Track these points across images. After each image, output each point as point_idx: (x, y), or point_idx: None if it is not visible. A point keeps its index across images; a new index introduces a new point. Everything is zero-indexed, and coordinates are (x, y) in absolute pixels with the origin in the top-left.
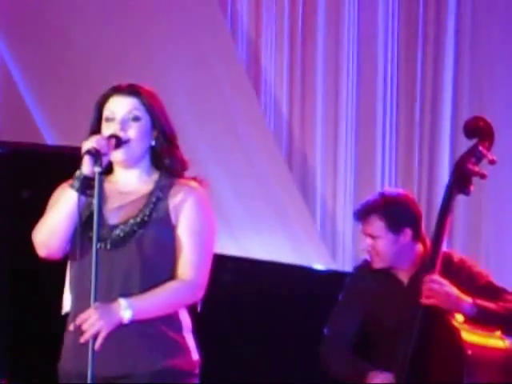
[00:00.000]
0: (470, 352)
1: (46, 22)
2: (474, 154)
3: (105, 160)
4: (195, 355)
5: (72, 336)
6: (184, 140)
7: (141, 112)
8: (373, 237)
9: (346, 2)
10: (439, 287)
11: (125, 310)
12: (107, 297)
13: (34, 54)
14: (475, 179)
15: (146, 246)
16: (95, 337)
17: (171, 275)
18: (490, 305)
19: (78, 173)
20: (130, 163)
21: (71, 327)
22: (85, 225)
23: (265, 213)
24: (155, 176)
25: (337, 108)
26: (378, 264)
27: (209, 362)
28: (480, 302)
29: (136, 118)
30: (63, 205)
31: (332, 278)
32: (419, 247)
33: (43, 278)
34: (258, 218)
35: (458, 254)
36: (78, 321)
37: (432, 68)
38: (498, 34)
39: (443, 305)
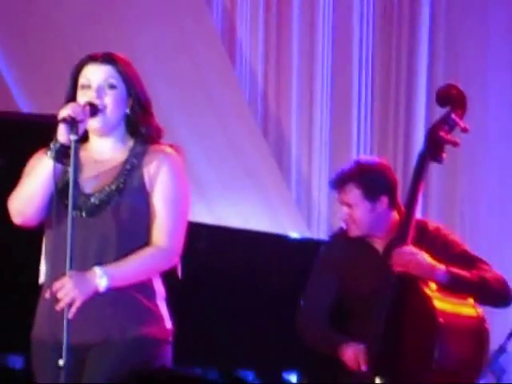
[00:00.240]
0: (441, 320)
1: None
2: (446, 122)
3: (81, 128)
4: (168, 323)
5: (47, 304)
6: (156, 106)
7: (116, 80)
8: (349, 205)
9: None
10: (410, 254)
11: (100, 278)
12: (82, 265)
13: (8, 20)
14: (448, 147)
15: (122, 214)
16: (70, 305)
17: (146, 242)
18: (464, 273)
19: (53, 141)
20: (105, 131)
21: (47, 295)
22: (61, 193)
23: (239, 179)
24: (130, 144)
25: (312, 75)
26: (354, 232)
27: (182, 330)
28: (453, 269)
29: (112, 86)
30: (39, 173)
31: (307, 247)
32: (395, 215)
33: (19, 246)
34: (232, 184)
35: (433, 223)
36: (53, 289)
37: (407, 35)
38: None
39: (415, 272)
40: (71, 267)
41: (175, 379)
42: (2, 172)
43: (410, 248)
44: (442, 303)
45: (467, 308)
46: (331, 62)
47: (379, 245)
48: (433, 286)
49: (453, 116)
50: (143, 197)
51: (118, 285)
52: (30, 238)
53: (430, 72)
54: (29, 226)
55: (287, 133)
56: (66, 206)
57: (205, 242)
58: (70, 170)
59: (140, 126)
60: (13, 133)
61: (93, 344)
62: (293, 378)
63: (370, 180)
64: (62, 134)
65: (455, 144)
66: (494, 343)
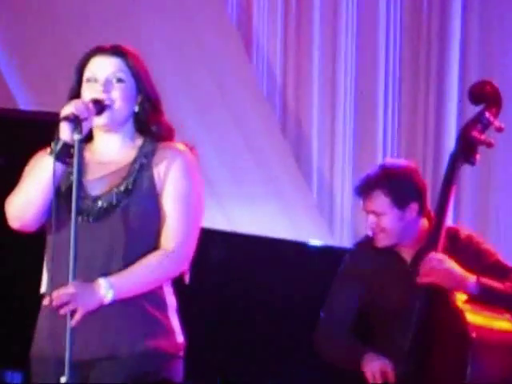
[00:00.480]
0: (474, 334)
1: None
2: (480, 121)
3: (85, 127)
4: (180, 337)
5: (48, 316)
6: (167, 103)
7: (125, 74)
8: (377, 214)
9: None
10: (438, 264)
11: (106, 290)
12: (88, 274)
13: (7, 13)
14: (482, 148)
15: (131, 218)
16: (73, 313)
17: (156, 247)
18: (497, 284)
19: (56, 140)
20: (112, 128)
21: (47, 305)
22: (65, 196)
23: (255, 182)
24: (139, 143)
25: (334, 70)
26: (383, 242)
27: (194, 344)
28: (485, 280)
29: (120, 80)
30: (40, 174)
31: (329, 255)
32: (424, 222)
33: (19, 253)
34: (248, 187)
35: (465, 230)
36: (55, 299)
37: (438, 27)
38: None
39: (444, 283)
40: (75, 277)
41: None
42: (1, 172)
43: (439, 257)
44: (475, 316)
45: (502, 322)
46: (356, 54)
47: (407, 254)
48: (463, 298)
49: (487, 114)
50: (154, 199)
51: (125, 296)
52: (30, 244)
53: (462, 68)
54: (27, 230)
55: (308, 131)
56: (71, 211)
57: (218, 250)
58: (74, 170)
59: (149, 124)
60: (12, 131)
61: (98, 359)
62: None
63: (398, 186)
64: (65, 133)
65: (489, 145)
66: None
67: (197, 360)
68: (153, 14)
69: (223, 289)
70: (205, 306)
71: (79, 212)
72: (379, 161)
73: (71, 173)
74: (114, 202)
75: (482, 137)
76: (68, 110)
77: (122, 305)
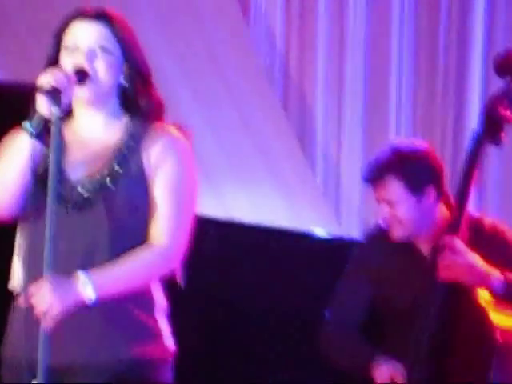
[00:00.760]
0: (499, 337)
1: None
2: (506, 96)
3: (64, 99)
4: (169, 341)
5: (21, 315)
6: (155, 77)
7: (110, 42)
8: (391, 202)
9: None
10: (459, 257)
11: (84, 285)
12: (67, 270)
13: None
14: (509, 126)
15: (116, 208)
16: (47, 314)
17: (143, 241)
18: None
19: (31, 114)
20: (95, 102)
21: (21, 303)
22: (41, 180)
23: (254, 164)
24: (125, 120)
25: (342, 39)
26: (398, 234)
27: (186, 349)
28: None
29: (104, 49)
30: (15, 153)
31: (336, 246)
32: (443, 210)
33: None
34: (246, 171)
35: (489, 220)
36: (28, 295)
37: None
38: None
39: (465, 279)
40: (50, 271)
41: None
42: None
43: (459, 248)
44: (500, 317)
45: None
46: (366, 22)
47: (425, 247)
48: (486, 295)
49: None
50: (142, 187)
51: (107, 293)
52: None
53: (486, 36)
54: (3, 218)
55: (312, 108)
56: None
57: (213, 241)
58: (52, 150)
59: (137, 98)
60: None
61: (76, 366)
62: None
63: (412, 169)
64: (43, 107)
65: None
66: None
67: (188, 366)
68: None
69: (217, 284)
70: (198, 304)
71: (58, 199)
72: (389, 142)
73: (49, 154)
74: (97, 188)
75: (509, 113)
76: (45, 80)
77: (103, 306)
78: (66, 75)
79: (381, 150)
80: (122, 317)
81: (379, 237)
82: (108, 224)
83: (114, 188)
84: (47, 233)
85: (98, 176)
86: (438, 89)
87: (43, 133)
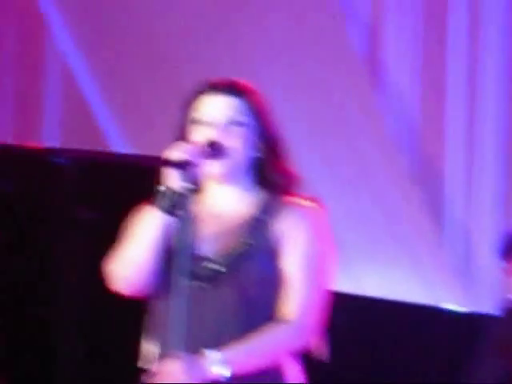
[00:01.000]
0: None
1: (114, 20)
2: None
3: (196, 174)
4: None
5: None
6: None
7: (243, 115)
8: None
9: None
10: None
11: (214, 364)
12: (196, 346)
13: (101, 51)
14: None
15: (247, 284)
16: None
17: (274, 316)
18: None
19: (162, 189)
20: (228, 178)
21: (150, 380)
22: (174, 256)
23: (384, 240)
24: (259, 195)
25: (473, 104)
26: None
27: None
28: None
29: (237, 122)
30: (146, 230)
31: (468, 322)
32: None
33: (115, 321)
34: (376, 245)
35: None
36: (156, 372)
37: None
38: None
39: None
40: (180, 349)
41: None
42: (95, 226)
43: None
44: None
45: None
46: (503, 86)
47: None
48: None
49: None
50: (273, 262)
51: (237, 371)
52: (127, 310)
53: None
54: (134, 295)
55: (442, 177)
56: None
57: (343, 316)
58: (182, 225)
59: (271, 173)
60: (106, 178)
61: None
62: None
63: None
64: (174, 181)
65: None
66: None
67: None
68: (269, 52)
69: (349, 360)
70: (333, 377)
71: (188, 275)
72: None
73: (180, 228)
74: (229, 265)
75: None
76: (176, 153)
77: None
78: (197, 148)
79: None
80: None
81: None
82: (239, 299)
83: (245, 263)
84: (176, 308)
85: (229, 251)
86: None
87: (174, 207)
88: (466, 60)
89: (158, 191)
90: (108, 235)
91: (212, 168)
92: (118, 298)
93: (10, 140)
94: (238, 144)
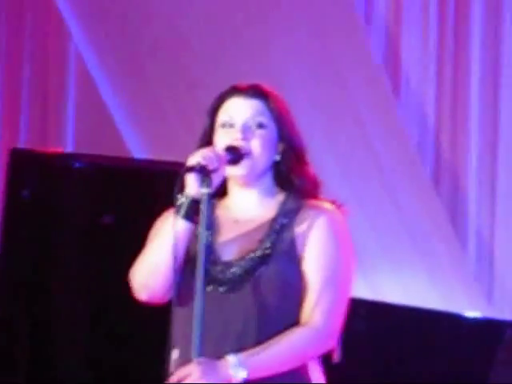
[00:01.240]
0: None
1: (138, 23)
2: None
3: (215, 179)
4: None
5: None
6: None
7: (266, 118)
8: None
9: None
10: None
11: (234, 368)
12: (218, 351)
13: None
14: None
15: (268, 288)
16: None
17: (296, 321)
18: None
19: (181, 195)
20: (249, 180)
21: None
22: (193, 262)
23: (404, 247)
24: (280, 198)
25: (495, 119)
26: None
27: None
28: None
29: (261, 125)
30: (166, 236)
31: (489, 329)
32: None
33: (134, 325)
34: (396, 253)
35: None
36: (176, 377)
37: None
38: None
39: None
40: (200, 354)
41: None
42: (110, 231)
43: None
44: None
45: None
46: None
47: None
48: None
49: None
50: (295, 266)
51: (258, 376)
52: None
53: None
54: (156, 303)
55: (464, 188)
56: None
57: (363, 322)
58: (201, 231)
59: (291, 176)
60: (123, 183)
61: None
62: None
63: None
64: (191, 187)
65: None
66: None
67: None
68: (293, 56)
69: (367, 366)
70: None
71: (209, 280)
72: None
73: (199, 233)
74: (249, 269)
75: None
76: (195, 159)
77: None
78: (217, 154)
79: None
80: None
81: None
82: (259, 305)
83: (265, 267)
84: (195, 314)
85: (249, 255)
86: None
87: (192, 213)
88: (487, 66)
89: (177, 198)
90: (127, 240)
91: (233, 171)
92: (134, 303)
93: (28, 145)
94: (259, 146)
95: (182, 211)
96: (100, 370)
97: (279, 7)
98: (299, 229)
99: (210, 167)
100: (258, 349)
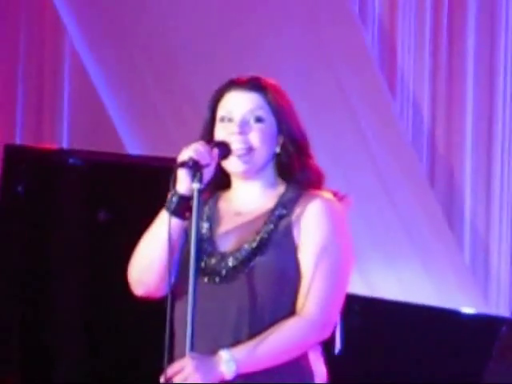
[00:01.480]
0: None
1: (132, 21)
2: None
3: (206, 174)
4: None
5: None
6: None
7: (265, 111)
8: None
9: None
10: None
11: (227, 363)
12: (216, 344)
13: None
14: None
15: (263, 278)
16: None
17: (292, 311)
18: None
19: (172, 192)
20: (250, 174)
21: (161, 380)
22: (188, 256)
23: (400, 242)
24: (281, 189)
25: (491, 115)
26: None
27: None
28: None
29: (259, 119)
30: (158, 231)
31: (484, 325)
32: None
33: (131, 322)
34: (390, 246)
35: None
36: (169, 372)
37: None
38: None
39: None
40: (192, 347)
41: None
42: (106, 228)
43: None
44: None
45: None
46: None
47: None
48: None
49: None
50: (292, 256)
51: (251, 370)
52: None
53: None
54: (152, 297)
55: (459, 183)
56: (202, 271)
57: (358, 319)
58: (193, 226)
59: (293, 168)
60: (118, 179)
61: None
62: None
63: None
64: (183, 183)
65: None
66: None
67: None
68: (286, 52)
69: (362, 363)
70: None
71: (206, 272)
72: None
73: (202, 227)
74: (244, 260)
75: None
76: (186, 154)
77: (254, 377)
78: (208, 149)
79: None
80: None
81: None
82: (255, 294)
83: (260, 258)
84: (188, 310)
85: (245, 246)
86: None
87: (183, 209)
88: (482, 63)
89: (168, 194)
90: (122, 236)
91: (234, 165)
92: (133, 300)
93: (23, 142)
94: (258, 140)
95: (172, 208)
96: (98, 367)
97: (272, 3)
98: (295, 218)
99: (202, 162)
100: (251, 342)
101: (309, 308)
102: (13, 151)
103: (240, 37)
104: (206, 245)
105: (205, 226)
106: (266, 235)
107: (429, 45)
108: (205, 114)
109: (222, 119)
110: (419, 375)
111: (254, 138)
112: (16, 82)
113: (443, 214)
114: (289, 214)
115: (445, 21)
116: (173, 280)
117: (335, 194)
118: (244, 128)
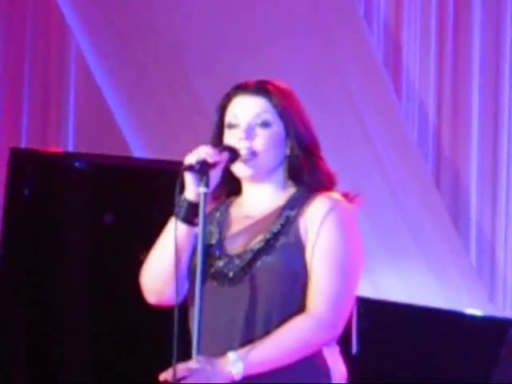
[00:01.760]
0: None
1: (138, 22)
2: None
3: (213, 179)
4: None
5: None
6: None
7: (271, 115)
8: None
9: None
10: None
11: (234, 364)
12: (227, 346)
13: (121, 55)
14: None
15: (270, 277)
16: None
17: (300, 310)
18: None
19: (180, 199)
20: (259, 177)
21: (169, 380)
22: (207, 259)
23: (405, 244)
24: (291, 191)
25: (497, 116)
26: None
27: None
28: None
29: (265, 124)
30: (168, 238)
31: (491, 327)
32: None
33: (138, 323)
34: (398, 250)
35: None
36: (176, 376)
37: None
38: None
39: None
40: (199, 351)
41: None
42: (111, 231)
43: None
44: None
45: None
46: None
47: None
48: None
49: None
50: (300, 255)
51: (259, 370)
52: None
53: None
54: (166, 305)
55: (465, 184)
56: (210, 276)
57: (365, 320)
58: (200, 231)
59: (302, 171)
60: (124, 183)
61: None
62: None
63: None
64: (190, 189)
65: None
66: None
67: None
68: (292, 55)
69: (370, 365)
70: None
71: (215, 275)
72: None
73: (212, 232)
74: (251, 261)
75: None
76: (192, 158)
77: (268, 377)
78: (215, 152)
79: None
80: None
81: None
82: (265, 294)
83: (266, 257)
84: (196, 310)
85: (251, 247)
86: None
87: (193, 216)
88: (487, 64)
89: (177, 199)
90: (128, 239)
91: (242, 171)
92: (136, 303)
93: (29, 144)
94: (264, 145)
95: (181, 215)
96: (102, 370)
97: (279, 5)
98: (303, 217)
99: (210, 160)
100: (259, 342)
101: (317, 306)
102: (19, 154)
103: (247, 39)
104: (215, 249)
105: (215, 231)
106: (272, 235)
107: (434, 46)
108: (213, 118)
109: (230, 125)
110: (425, 377)
111: (259, 143)
112: (22, 85)
113: (449, 215)
114: (296, 214)
115: (450, 22)
116: (187, 286)
117: (346, 195)
118: (249, 133)
